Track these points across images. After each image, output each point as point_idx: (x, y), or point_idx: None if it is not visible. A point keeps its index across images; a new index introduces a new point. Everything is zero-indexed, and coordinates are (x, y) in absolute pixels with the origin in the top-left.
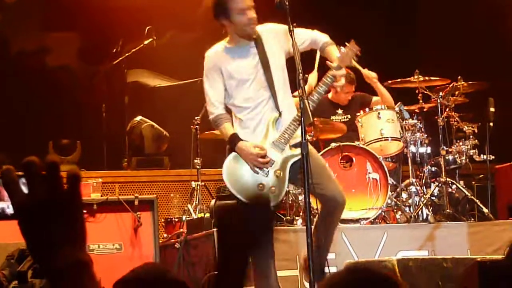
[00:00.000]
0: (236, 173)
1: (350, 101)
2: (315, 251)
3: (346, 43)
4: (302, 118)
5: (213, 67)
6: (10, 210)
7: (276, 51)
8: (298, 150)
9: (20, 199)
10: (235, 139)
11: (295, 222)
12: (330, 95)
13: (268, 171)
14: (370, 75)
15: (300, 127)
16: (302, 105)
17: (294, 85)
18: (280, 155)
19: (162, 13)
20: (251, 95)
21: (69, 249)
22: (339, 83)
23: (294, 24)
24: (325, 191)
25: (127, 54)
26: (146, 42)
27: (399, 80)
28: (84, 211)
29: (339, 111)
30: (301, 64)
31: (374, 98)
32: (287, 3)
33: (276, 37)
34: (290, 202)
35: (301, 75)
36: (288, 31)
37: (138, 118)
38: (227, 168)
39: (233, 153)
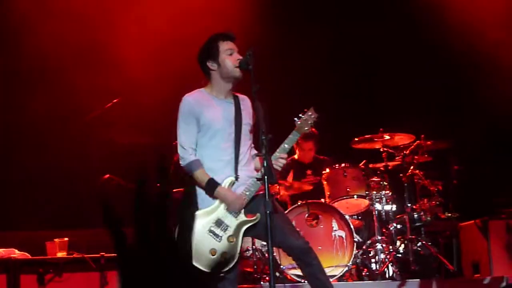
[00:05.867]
0: None
1: (318, 163)
2: None
3: (305, 110)
4: (266, 177)
5: (190, 112)
6: None
7: (249, 122)
8: (252, 217)
9: None
10: (214, 184)
11: (262, 281)
12: (296, 156)
13: (221, 237)
14: None
15: (256, 191)
16: (266, 164)
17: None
18: (234, 220)
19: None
20: (221, 147)
21: None
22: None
23: (258, 86)
24: (287, 243)
25: (98, 111)
26: (114, 100)
27: (367, 136)
28: (50, 271)
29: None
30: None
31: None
32: (250, 63)
33: (251, 111)
34: (255, 259)
35: (264, 134)
36: (252, 93)
37: (106, 176)
38: None
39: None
